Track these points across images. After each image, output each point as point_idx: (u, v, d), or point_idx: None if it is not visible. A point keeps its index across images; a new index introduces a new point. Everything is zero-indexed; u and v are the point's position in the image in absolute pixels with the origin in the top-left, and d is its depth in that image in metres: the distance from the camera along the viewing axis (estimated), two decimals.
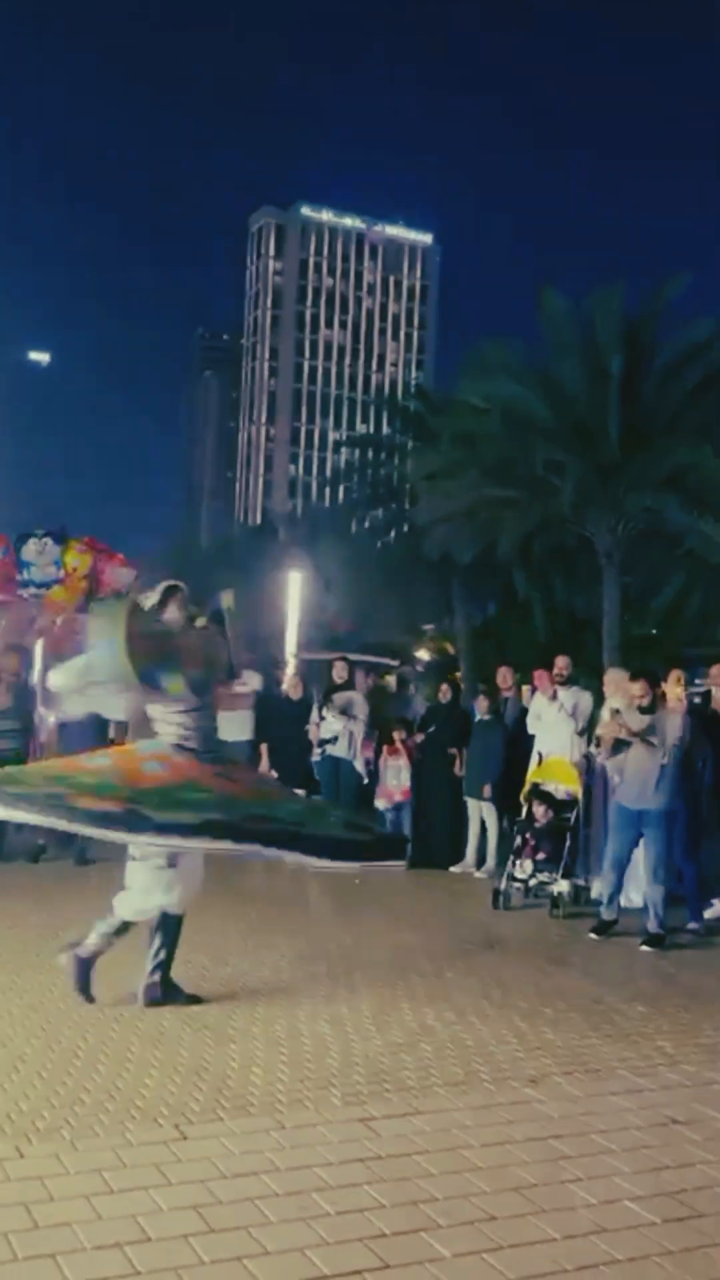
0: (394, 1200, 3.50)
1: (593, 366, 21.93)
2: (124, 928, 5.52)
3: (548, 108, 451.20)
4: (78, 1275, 2.96)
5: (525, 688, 10.51)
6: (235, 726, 9.64)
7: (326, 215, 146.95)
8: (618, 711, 7.94)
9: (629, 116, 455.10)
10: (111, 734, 9.89)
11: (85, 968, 5.46)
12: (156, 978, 5.47)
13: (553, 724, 9.63)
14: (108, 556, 11.01)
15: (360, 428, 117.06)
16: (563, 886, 8.47)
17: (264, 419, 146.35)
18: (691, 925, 7.99)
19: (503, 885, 8.70)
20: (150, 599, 5.66)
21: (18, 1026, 5.06)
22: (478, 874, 9.98)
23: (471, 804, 10.21)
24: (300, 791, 8.98)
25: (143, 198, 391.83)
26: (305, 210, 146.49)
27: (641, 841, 7.75)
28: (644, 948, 7.37)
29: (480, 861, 10.14)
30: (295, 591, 19.21)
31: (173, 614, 5.62)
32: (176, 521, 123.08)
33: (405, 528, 30.98)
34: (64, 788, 5.04)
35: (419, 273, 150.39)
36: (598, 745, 8.28)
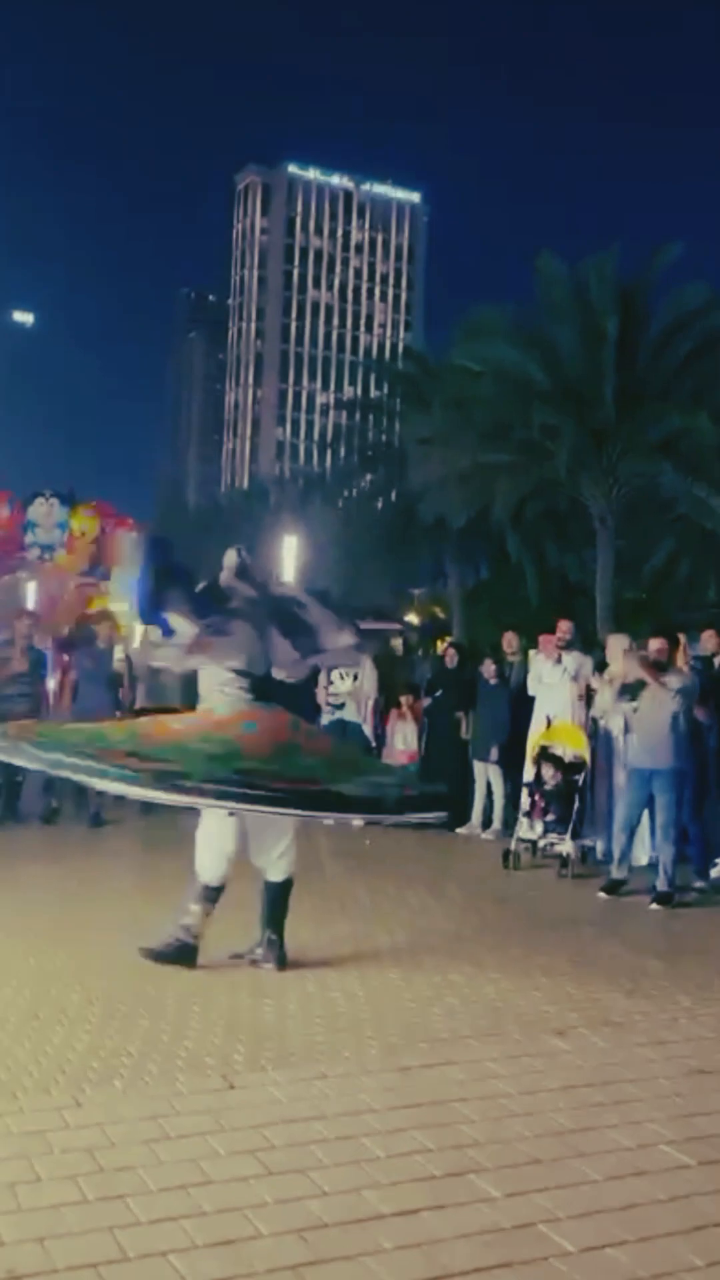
0: (440, 1144, 3.64)
1: (588, 330, 21.93)
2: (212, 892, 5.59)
3: (539, 68, 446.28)
4: (148, 1215, 3.09)
5: (531, 651, 10.64)
6: None
7: (314, 174, 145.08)
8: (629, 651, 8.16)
9: (623, 78, 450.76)
10: (120, 695, 10.06)
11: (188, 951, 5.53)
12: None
13: (555, 687, 9.76)
14: (115, 521, 11.02)
15: (349, 390, 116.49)
16: (570, 847, 8.63)
17: (251, 381, 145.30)
18: (698, 884, 8.18)
19: (513, 846, 8.86)
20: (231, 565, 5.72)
21: (56, 982, 5.18)
22: (484, 836, 10.14)
23: (478, 766, 10.35)
24: None
25: (129, 156, 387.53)
26: (292, 169, 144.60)
27: (651, 802, 7.90)
28: (653, 906, 7.54)
29: (486, 823, 10.30)
30: (291, 556, 19.31)
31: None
32: (162, 484, 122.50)
33: (394, 493, 30.99)
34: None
35: (407, 233, 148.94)
36: (612, 685, 8.38)
